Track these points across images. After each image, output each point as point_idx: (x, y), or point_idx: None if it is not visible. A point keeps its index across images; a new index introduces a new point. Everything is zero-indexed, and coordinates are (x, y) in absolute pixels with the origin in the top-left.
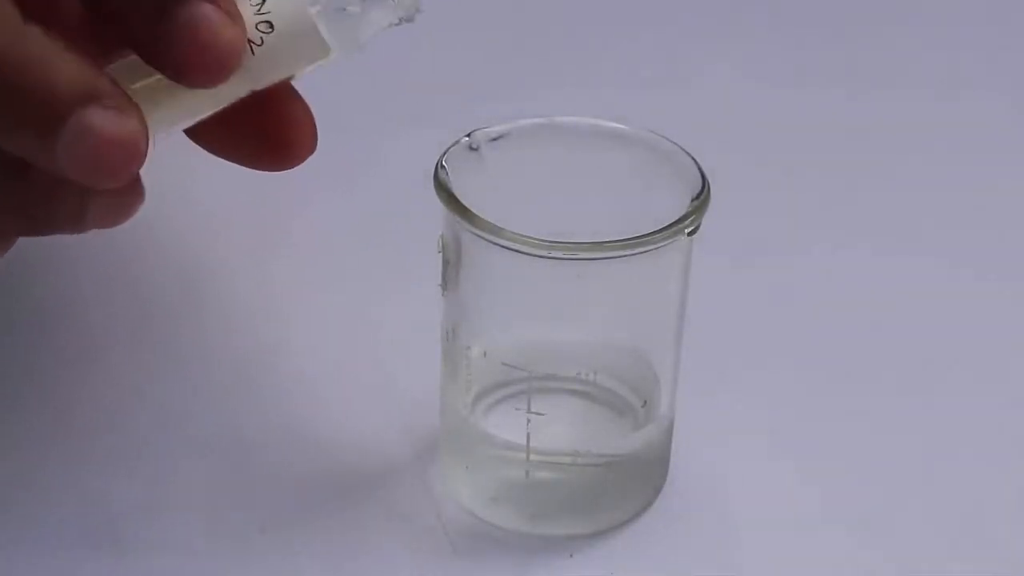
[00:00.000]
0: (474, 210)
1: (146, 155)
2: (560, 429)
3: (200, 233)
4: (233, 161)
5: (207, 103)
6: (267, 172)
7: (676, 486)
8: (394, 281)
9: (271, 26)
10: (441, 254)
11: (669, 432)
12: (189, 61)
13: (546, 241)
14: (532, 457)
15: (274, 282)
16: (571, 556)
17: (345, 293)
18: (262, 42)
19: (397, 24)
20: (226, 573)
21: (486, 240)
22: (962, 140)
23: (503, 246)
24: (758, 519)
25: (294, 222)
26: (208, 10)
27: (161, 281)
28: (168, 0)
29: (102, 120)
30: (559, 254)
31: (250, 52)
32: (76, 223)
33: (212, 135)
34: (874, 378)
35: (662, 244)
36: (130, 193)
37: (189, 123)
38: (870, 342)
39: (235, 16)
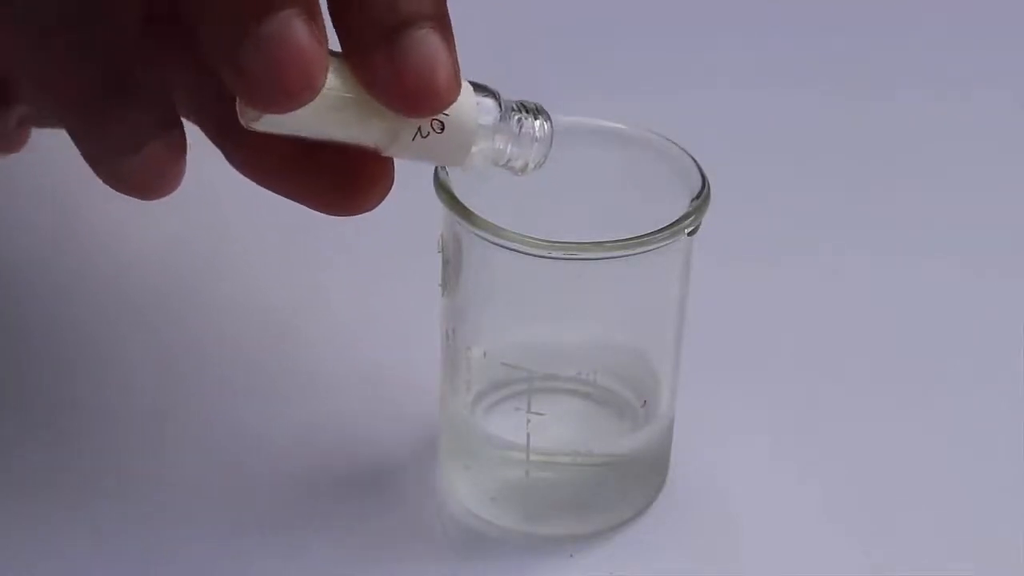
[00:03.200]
0: (474, 210)
1: (313, 96)
2: (560, 429)
3: (200, 234)
4: (296, 199)
5: (351, 130)
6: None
7: (676, 486)
8: (394, 281)
9: (442, 127)
10: (441, 254)
11: (669, 432)
12: (409, 81)
13: (546, 241)
14: (532, 457)
15: (272, 282)
16: (571, 556)
17: (344, 293)
18: (428, 135)
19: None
20: (225, 573)
21: (486, 240)
22: (964, 141)
23: (503, 246)
24: (758, 519)
25: (293, 222)
26: (437, 39)
27: (160, 282)
28: (402, 22)
29: (303, 30)
30: (559, 254)
31: (410, 137)
32: (134, 148)
33: (282, 173)
34: (875, 378)
35: (662, 244)
36: (176, 161)
37: (317, 135)
38: (870, 342)
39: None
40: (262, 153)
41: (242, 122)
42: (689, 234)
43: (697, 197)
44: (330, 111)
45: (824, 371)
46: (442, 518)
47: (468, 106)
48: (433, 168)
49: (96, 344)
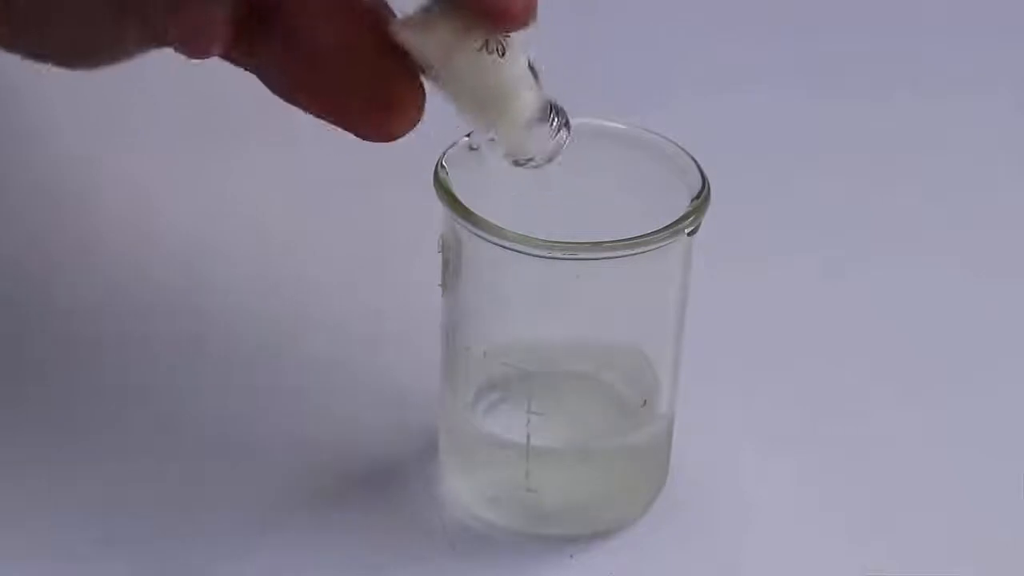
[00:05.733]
0: (474, 210)
1: None
2: (560, 429)
3: (202, 234)
4: (327, 118)
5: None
6: (366, 141)
7: (676, 486)
8: (394, 281)
9: (503, 52)
10: (441, 254)
11: (669, 432)
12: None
13: (546, 241)
14: (532, 457)
15: (273, 282)
16: (571, 557)
17: (345, 293)
18: (491, 53)
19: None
20: (223, 572)
21: (486, 240)
22: (964, 141)
23: (503, 246)
24: (758, 519)
25: (294, 222)
26: None
27: (163, 282)
28: None
29: None
30: (559, 254)
31: (476, 46)
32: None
33: (315, 90)
34: (874, 378)
35: (662, 244)
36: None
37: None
38: (871, 342)
39: None
40: (295, 70)
41: None
42: (689, 234)
43: (697, 197)
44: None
45: (824, 371)
46: (442, 518)
47: (523, 60)
48: (433, 168)
49: (95, 346)
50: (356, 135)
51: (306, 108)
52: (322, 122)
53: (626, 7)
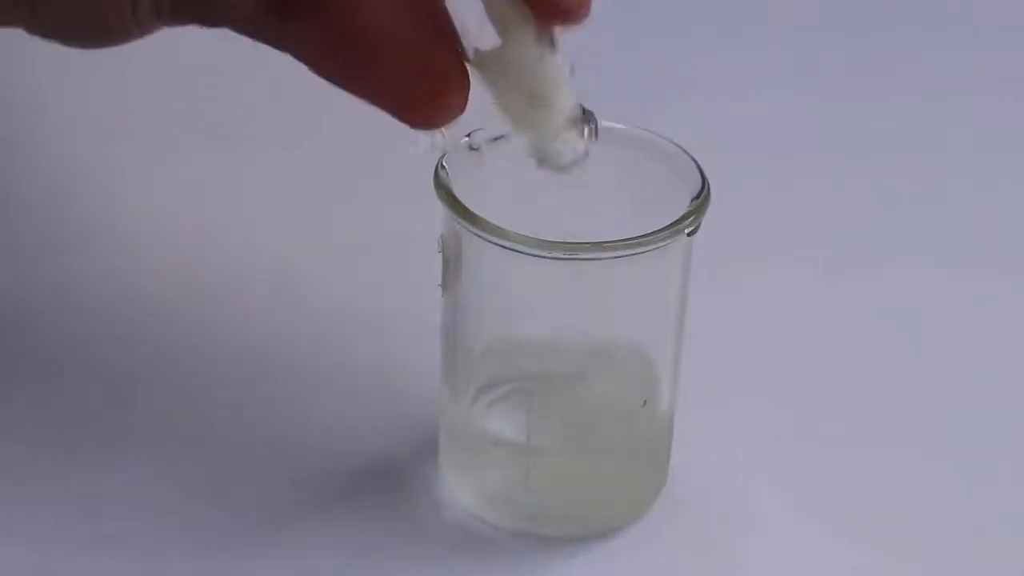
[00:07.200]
0: (474, 210)
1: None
2: (560, 428)
3: (202, 233)
4: (369, 98)
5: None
6: (408, 126)
7: (676, 486)
8: (394, 281)
9: (553, 46)
10: (441, 254)
11: (669, 432)
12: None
13: (546, 241)
14: (532, 456)
15: (273, 282)
16: (571, 556)
17: (345, 293)
18: (543, 46)
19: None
20: (224, 572)
21: (486, 240)
22: (964, 143)
23: (503, 246)
24: (758, 519)
25: (294, 222)
26: None
27: (162, 281)
28: None
29: None
30: (559, 254)
31: (531, 38)
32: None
33: (362, 72)
34: (874, 378)
35: (662, 244)
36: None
37: None
38: (871, 342)
39: None
40: (338, 49)
41: None
42: (689, 234)
43: (697, 197)
44: None
45: (824, 371)
46: (442, 518)
47: (566, 61)
48: (434, 168)
49: (93, 343)
50: (398, 118)
51: (346, 87)
52: (322, 128)
53: (626, 7)
